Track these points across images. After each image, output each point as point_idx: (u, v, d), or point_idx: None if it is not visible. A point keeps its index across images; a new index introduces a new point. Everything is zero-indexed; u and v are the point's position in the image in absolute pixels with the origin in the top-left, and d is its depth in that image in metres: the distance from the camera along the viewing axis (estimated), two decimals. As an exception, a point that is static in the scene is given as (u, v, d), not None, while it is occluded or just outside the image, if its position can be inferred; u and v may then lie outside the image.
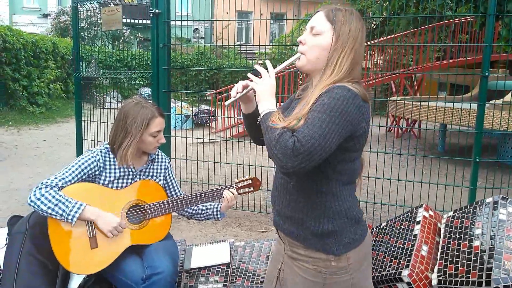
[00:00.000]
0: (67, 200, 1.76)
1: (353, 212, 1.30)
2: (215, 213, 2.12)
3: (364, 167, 1.40)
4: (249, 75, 1.33)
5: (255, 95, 1.32)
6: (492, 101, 5.20)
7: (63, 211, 1.74)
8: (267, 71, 1.31)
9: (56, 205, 1.74)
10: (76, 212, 1.75)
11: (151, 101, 2.04)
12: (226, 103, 1.39)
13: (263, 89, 1.26)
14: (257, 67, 1.32)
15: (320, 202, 1.27)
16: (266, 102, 1.25)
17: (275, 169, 1.42)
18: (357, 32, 1.27)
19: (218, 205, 2.12)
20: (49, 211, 1.73)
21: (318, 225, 1.27)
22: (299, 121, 1.16)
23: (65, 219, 1.75)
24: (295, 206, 1.30)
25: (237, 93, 1.36)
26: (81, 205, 1.77)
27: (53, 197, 1.75)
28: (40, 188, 1.77)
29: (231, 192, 2.00)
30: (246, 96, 1.39)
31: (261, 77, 1.29)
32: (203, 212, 2.14)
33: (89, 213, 1.79)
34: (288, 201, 1.32)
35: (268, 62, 1.34)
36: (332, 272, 1.28)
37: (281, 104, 1.39)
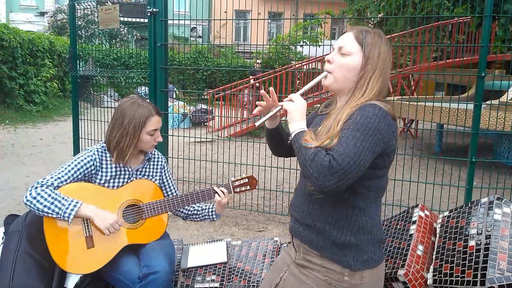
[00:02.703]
0: (63, 198, 1.76)
1: (377, 231, 1.30)
2: (210, 213, 2.12)
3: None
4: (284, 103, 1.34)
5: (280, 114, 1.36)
6: (489, 102, 5.23)
7: (59, 209, 1.73)
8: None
9: (52, 203, 1.73)
10: (72, 210, 1.75)
11: (147, 100, 2.04)
12: (257, 124, 1.40)
13: (296, 109, 1.28)
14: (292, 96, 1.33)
15: (346, 214, 1.26)
16: (298, 123, 1.27)
17: (297, 179, 1.43)
18: (386, 55, 1.30)
19: (213, 205, 2.13)
20: (45, 209, 1.73)
21: (339, 235, 1.26)
22: (332, 140, 1.17)
23: (62, 217, 1.74)
24: (319, 216, 1.29)
25: (259, 112, 1.39)
26: (77, 202, 1.77)
27: (49, 195, 1.74)
28: (36, 188, 1.76)
29: (222, 190, 2.01)
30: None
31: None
32: (198, 212, 2.14)
33: (85, 210, 1.78)
34: (311, 210, 1.31)
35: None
36: (342, 287, 1.26)
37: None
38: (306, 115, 1.34)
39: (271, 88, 1.41)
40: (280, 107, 1.35)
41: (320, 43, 10.83)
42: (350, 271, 1.25)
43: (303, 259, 1.33)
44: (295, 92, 1.36)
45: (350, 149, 1.12)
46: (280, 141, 1.49)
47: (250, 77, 9.80)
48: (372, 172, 1.24)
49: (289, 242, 1.46)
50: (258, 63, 12.34)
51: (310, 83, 1.40)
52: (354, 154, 1.12)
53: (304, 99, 1.33)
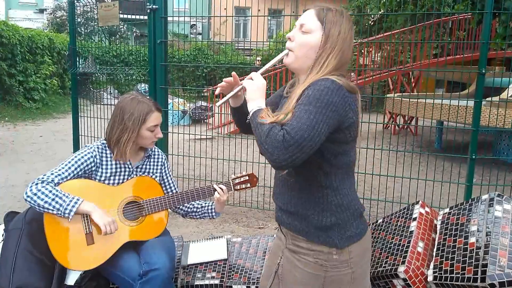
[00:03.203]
0: (63, 195, 1.76)
1: (355, 206, 1.33)
2: (209, 211, 2.12)
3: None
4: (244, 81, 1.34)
5: (244, 93, 1.35)
6: (489, 98, 5.22)
7: (60, 205, 1.73)
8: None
9: (53, 199, 1.73)
10: (73, 206, 1.75)
11: (147, 96, 2.04)
12: (218, 104, 1.41)
13: (254, 88, 1.28)
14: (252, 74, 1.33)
15: (321, 196, 1.28)
16: (256, 101, 1.27)
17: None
18: (346, 34, 1.29)
19: (212, 203, 2.12)
20: (46, 205, 1.73)
21: (321, 218, 1.28)
22: (287, 115, 1.18)
23: (62, 214, 1.74)
24: (297, 202, 1.32)
25: (220, 93, 1.40)
26: (78, 199, 1.77)
27: (50, 191, 1.74)
28: (36, 184, 1.76)
29: (221, 187, 2.00)
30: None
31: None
32: (198, 210, 2.14)
33: (85, 207, 1.78)
34: (290, 197, 1.34)
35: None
36: (333, 265, 1.29)
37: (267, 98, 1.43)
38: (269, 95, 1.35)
39: (233, 73, 1.43)
40: (241, 86, 1.36)
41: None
42: (337, 250, 1.28)
43: (292, 244, 1.36)
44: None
45: (303, 122, 1.12)
46: (245, 119, 1.49)
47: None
48: (337, 148, 1.25)
49: (277, 228, 1.48)
50: (258, 60, 12.31)
51: (271, 61, 1.41)
52: (307, 126, 1.12)
53: None
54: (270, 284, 1.41)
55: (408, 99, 6.16)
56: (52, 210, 1.73)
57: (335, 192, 1.29)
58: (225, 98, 1.40)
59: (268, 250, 2.20)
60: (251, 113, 1.25)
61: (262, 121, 1.18)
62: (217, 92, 1.45)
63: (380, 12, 9.10)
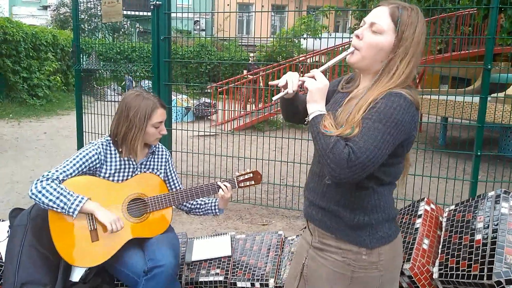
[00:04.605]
0: (68, 193, 1.76)
1: (390, 208, 1.29)
2: (213, 208, 2.12)
3: (408, 166, 1.36)
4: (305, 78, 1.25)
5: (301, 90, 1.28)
6: (494, 94, 5.18)
7: (65, 204, 1.74)
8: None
9: (57, 198, 1.73)
10: (77, 205, 1.75)
11: (152, 93, 2.03)
12: (275, 98, 1.32)
13: (317, 89, 1.20)
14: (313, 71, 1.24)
15: (359, 195, 1.24)
16: (318, 104, 1.20)
17: (312, 159, 1.38)
18: (420, 37, 1.20)
19: (216, 200, 2.12)
20: (50, 203, 1.73)
21: (353, 216, 1.24)
22: (353, 129, 1.13)
23: (66, 212, 1.74)
24: (332, 197, 1.27)
25: (282, 89, 1.30)
26: (82, 198, 1.77)
27: (55, 189, 1.74)
28: (41, 181, 1.76)
29: (225, 185, 2.00)
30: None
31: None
32: (201, 207, 2.14)
33: (89, 206, 1.78)
34: (324, 192, 1.29)
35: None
36: (361, 266, 1.24)
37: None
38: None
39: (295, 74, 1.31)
40: (302, 83, 1.26)
41: (321, 36, 10.77)
42: (367, 250, 1.24)
43: (319, 242, 1.32)
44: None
45: (371, 143, 1.09)
46: (294, 109, 1.43)
47: (245, 72, 9.74)
48: (391, 161, 1.21)
49: (305, 227, 1.44)
50: (251, 56, 12.22)
51: (334, 59, 1.31)
52: (374, 147, 1.09)
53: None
54: (297, 285, 1.37)
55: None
56: (57, 208, 1.74)
57: (373, 193, 1.24)
58: (282, 93, 1.30)
59: (272, 247, 2.20)
60: (311, 117, 1.20)
61: (327, 133, 1.13)
62: (280, 84, 1.32)
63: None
